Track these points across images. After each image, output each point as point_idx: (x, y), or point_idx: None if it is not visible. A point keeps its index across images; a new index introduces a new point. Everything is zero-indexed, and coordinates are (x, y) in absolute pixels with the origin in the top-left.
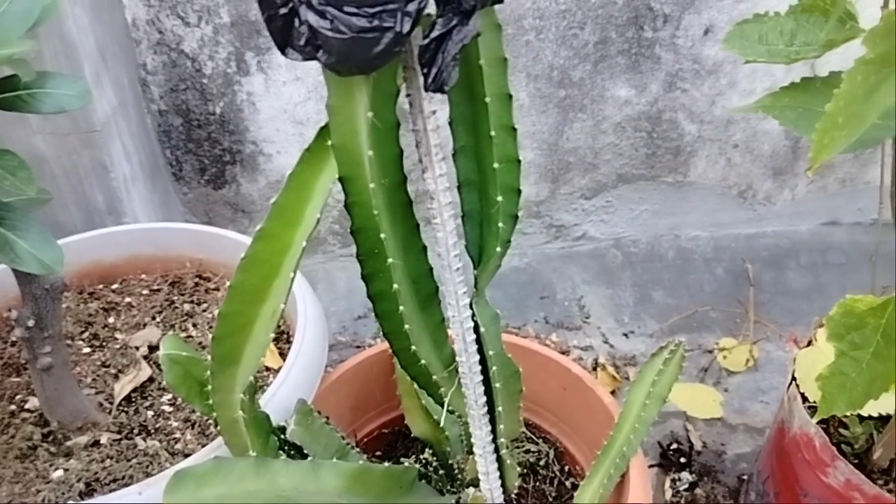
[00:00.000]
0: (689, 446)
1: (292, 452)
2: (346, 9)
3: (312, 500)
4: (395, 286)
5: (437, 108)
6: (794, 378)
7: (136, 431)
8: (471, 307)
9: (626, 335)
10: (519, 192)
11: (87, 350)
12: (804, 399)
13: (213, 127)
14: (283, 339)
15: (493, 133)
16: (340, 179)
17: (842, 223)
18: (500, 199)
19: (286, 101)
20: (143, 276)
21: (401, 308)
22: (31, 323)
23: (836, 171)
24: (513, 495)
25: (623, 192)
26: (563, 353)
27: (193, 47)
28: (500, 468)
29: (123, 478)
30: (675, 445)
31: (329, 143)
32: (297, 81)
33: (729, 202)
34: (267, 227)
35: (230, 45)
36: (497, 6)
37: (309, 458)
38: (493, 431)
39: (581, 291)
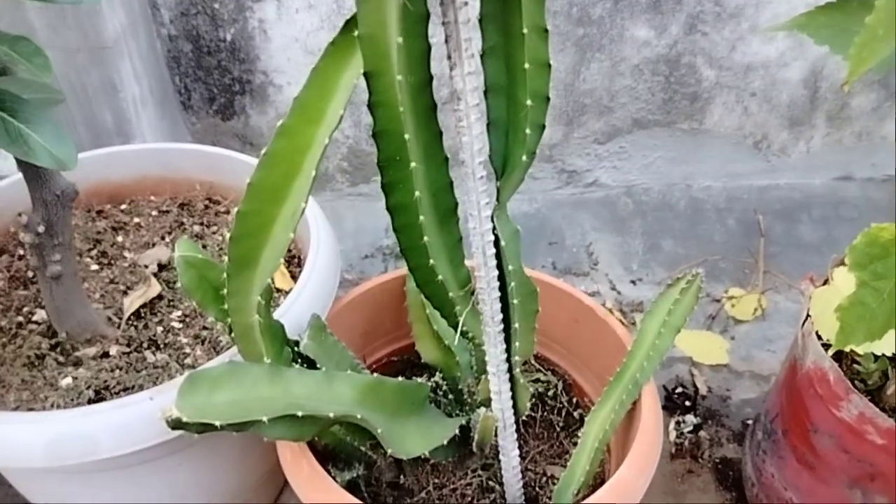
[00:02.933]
0: (694, 390)
1: (305, 366)
2: None
3: (325, 409)
4: (417, 194)
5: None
6: (808, 316)
7: (145, 345)
8: (492, 220)
9: (633, 282)
10: (548, 99)
11: (95, 267)
12: (818, 337)
13: (223, 55)
14: (294, 262)
15: (524, 31)
16: (366, 75)
17: (855, 178)
18: (529, 103)
19: (298, 30)
20: (153, 197)
21: (421, 219)
22: (41, 229)
23: (853, 123)
24: (522, 419)
25: (637, 138)
26: None
27: None
28: (513, 388)
29: (133, 387)
30: (680, 389)
31: (355, 33)
32: (310, 9)
33: (743, 152)
34: (289, 123)
35: None
36: None
37: (323, 370)
38: (508, 350)
39: (590, 238)
